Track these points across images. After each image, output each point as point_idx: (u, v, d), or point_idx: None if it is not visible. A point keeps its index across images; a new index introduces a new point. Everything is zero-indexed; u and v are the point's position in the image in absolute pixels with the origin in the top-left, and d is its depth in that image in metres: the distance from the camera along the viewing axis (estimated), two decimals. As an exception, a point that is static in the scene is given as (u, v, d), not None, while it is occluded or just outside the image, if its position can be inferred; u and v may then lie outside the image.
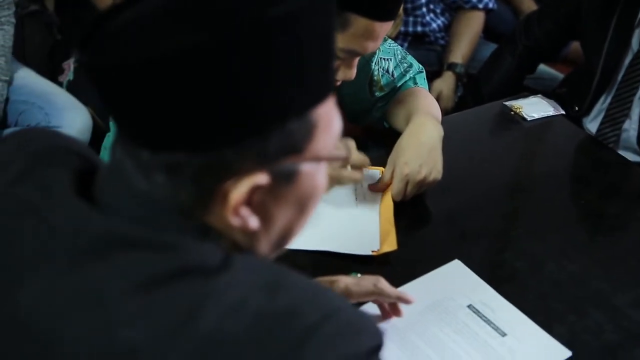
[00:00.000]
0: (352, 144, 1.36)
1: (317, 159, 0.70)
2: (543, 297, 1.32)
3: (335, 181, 1.40)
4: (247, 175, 0.66)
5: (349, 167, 1.38)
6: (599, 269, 1.40)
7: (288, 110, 0.66)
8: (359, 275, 1.21)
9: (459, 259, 1.36)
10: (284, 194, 0.70)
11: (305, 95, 0.67)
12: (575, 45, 2.69)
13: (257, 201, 0.68)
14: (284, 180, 0.68)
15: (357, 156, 1.40)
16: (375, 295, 1.18)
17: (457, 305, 1.25)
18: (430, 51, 2.59)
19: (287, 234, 0.75)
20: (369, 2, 1.29)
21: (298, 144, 0.68)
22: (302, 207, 0.73)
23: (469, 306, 1.25)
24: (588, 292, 1.34)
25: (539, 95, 1.95)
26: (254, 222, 0.69)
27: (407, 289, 1.26)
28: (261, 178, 0.66)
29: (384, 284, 1.18)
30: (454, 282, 1.30)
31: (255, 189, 0.66)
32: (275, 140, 0.66)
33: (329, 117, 0.70)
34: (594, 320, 1.28)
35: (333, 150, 0.72)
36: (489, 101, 1.99)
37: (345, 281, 1.16)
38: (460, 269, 1.33)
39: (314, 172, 0.71)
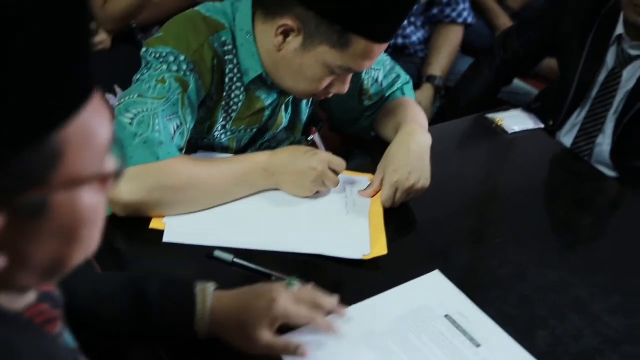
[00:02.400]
0: (338, 162, 1.42)
1: (74, 184, 0.61)
2: (525, 302, 1.37)
3: (319, 183, 1.44)
4: None
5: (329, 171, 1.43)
6: (577, 276, 1.46)
7: (13, 142, 0.56)
8: (295, 284, 1.16)
9: (445, 264, 1.41)
10: (36, 229, 0.61)
11: (36, 120, 0.57)
12: (547, 62, 2.76)
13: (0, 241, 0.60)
14: (30, 216, 0.60)
15: (337, 160, 1.44)
16: (312, 319, 1.13)
17: (435, 314, 1.28)
18: (410, 63, 2.65)
19: (59, 264, 0.66)
20: (372, 24, 1.34)
21: (39, 174, 0.59)
22: (70, 237, 0.64)
23: (446, 316, 1.28)
24: (568, 299, 1.39)
25: (520, 108, 2.01)
26: (1, 260, 0.61)
27: (388, 297, 1.30)
28: None
29: (321, 298, 1.14)
30: (433, 292, 1.33)
31: None
32: (3, 176, 0.57)
33: (85, 132, 0.61)
34: (574, 325, 1.33)
35: (100, 166, 0.64)
36: (466, 113, 2.04)
37: (285, 304, 1.09)
38: (440, 279, 1.36)
39: (74, 199, 0.62)
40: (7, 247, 0.60)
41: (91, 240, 0.66)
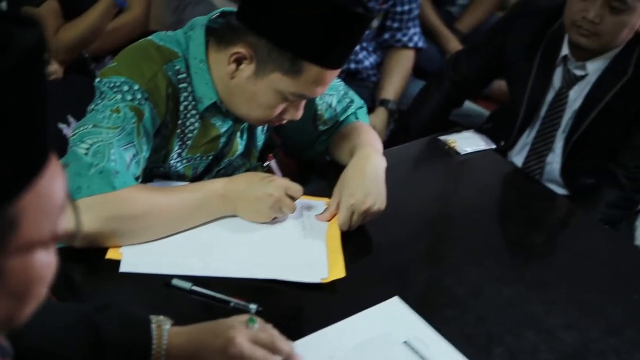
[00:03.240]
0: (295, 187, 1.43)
1: (28, 248, 0.62)
2: (482, 320, 1.39)
3: (276, 209, 1.45)
4: None
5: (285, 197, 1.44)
6: (532, 292, 1.49)
7: None
8: (256, 325, 1.12)
9: (402, 286, 1.42)
10: None
11: None
12: (498, 83, 2.82)
13: None
14: None
15: (293, 186, 1.46)
16: None
17: (394, 340, 1.29)
18: (363, 88, 2.68)
19: (10, 321, 0.66)
20: (323, 51, 1.36)
21: None
22: (22, 296, 0.64)
23: (405, 342, 1.29)
24: (523, 315, 1.42)
25: (472, 130, 2.04)
26: None
27: (347, 325, 1.31)
28: None
29: (279, 342, 1.12)
30: (392, 318, 1.34)
31: None
32: None
33: (40, 199, 0.61)
34: (530, 341, 1.36)
35: (53, 226, 0.63)
36: (418, 136, 2.07)
37: (241, 345, 1.07)
38: (398, 305, 1.37)
39: (28, 261, 0.62)
40: None
41: (42, 294, 0.66)
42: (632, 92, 2.03)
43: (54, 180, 0.62)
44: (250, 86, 1.41)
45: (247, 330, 1.10)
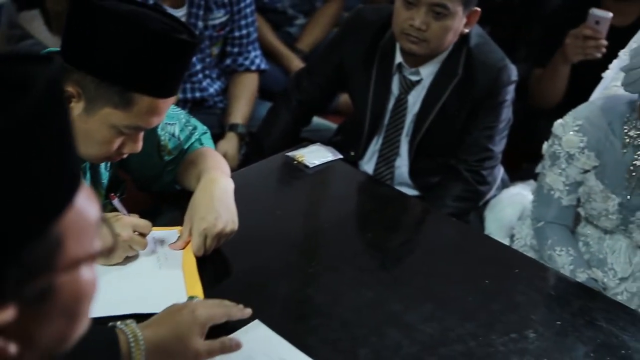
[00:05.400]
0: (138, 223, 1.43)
1: (74, 265, 0.66)
2: (345, 324, 1.42)
3: (126, 248, 1.43)
4: None
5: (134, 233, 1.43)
6: (390, 292, 1.54)
7: (19, 239, 0.61)
8: (197, 297, 1.33)
9: (263, 303, 1.43)
10: (43, 313, 0.65)
11: (39, 215, 0.63)
12: (344, 97, 2.90)
13: (10, 329, 0.62)
14: (38, 302, 0.64)
15: (140, 222, 1.45)
16: (230, 313, 1.30)
17: None
18: (210, 115, 2.68)
19: (62, 342, 0.70)
20: (152, 81, 1.36)
21: (44, 263, 0.63)
22: (73, 314, 0.68)
23: None
24: (384, 314, 1.47)
25: (317, 143, 2.09)
26: (12, 348, 0.64)
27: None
28: (6, 314, 0.61)
29: (223, 301, 1.32)
30: (254, 343, 1.33)
31: (3, 324, 0.62)
32: (13, 272, 0.61)
33: (79, 218, 0.66)
34: (392, 338, 1.40)
35: (92, 245, 0.69)
36: (271, 155, 2.10)
37: (204, 310, 1.25)
38: (259, 328, 1.36)
39: (75, 278, 0.67)
40: (18, 335, 0.64)
41: (88, 314, 0.71)
42: (464, 91, 2.14)
43: (88, 198, 0.68)
44: (82, 124, 1.38)
45: (198, 301, 1.30)
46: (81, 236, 0.67)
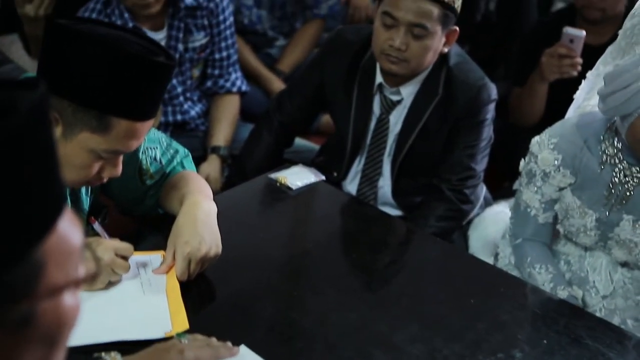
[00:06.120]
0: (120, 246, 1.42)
1: (56, 291, 0.64)
2: (331, 347, 1.42)
3: (109, 272, 1.41)
4: None
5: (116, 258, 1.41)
6: (376, 313, 1.53)
7: (1, 260, 0.60)
8: (186, 337, 1.30)
9: (248, 327, 1.42)
10: (23, 340, 0.63)
11: (20, 239, 0.61)
12: (326, 117, 2.90)
13: None
14: (18, 328, 0.62)
15: (122, 245, 1.43)
16: (218, 354, 1.29)
17: None
18: (192, 138, 2.67)
19: None
20: (129, 104, 1.35)
21: (24, 288, 0.62)
22: (53, 342, 0.66)
23: None
24: (370, 335, 1.46)
25: (300, 164, 2.08)
26: None
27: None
28: None
29: (211, 340, 1.30)
30: None
31: None
32: None
33: (61, 242, 0.64)
34: (379, 360, 1.40)
35: (75, 271, 0.67)
36: (254, 177, 2.09)
37: (192, 351, 1.24)
38: (246, 353, 1.34)
39: (57, 304, 0.65)
40: None
41: (68, 340, 0.69)
42: (444, 110, 2.15)
43: (71, 223, 0.66)
44: (61, 149, 1.35)
45: (186, 342, 1.27)
46: (63, 262, 0.65)
